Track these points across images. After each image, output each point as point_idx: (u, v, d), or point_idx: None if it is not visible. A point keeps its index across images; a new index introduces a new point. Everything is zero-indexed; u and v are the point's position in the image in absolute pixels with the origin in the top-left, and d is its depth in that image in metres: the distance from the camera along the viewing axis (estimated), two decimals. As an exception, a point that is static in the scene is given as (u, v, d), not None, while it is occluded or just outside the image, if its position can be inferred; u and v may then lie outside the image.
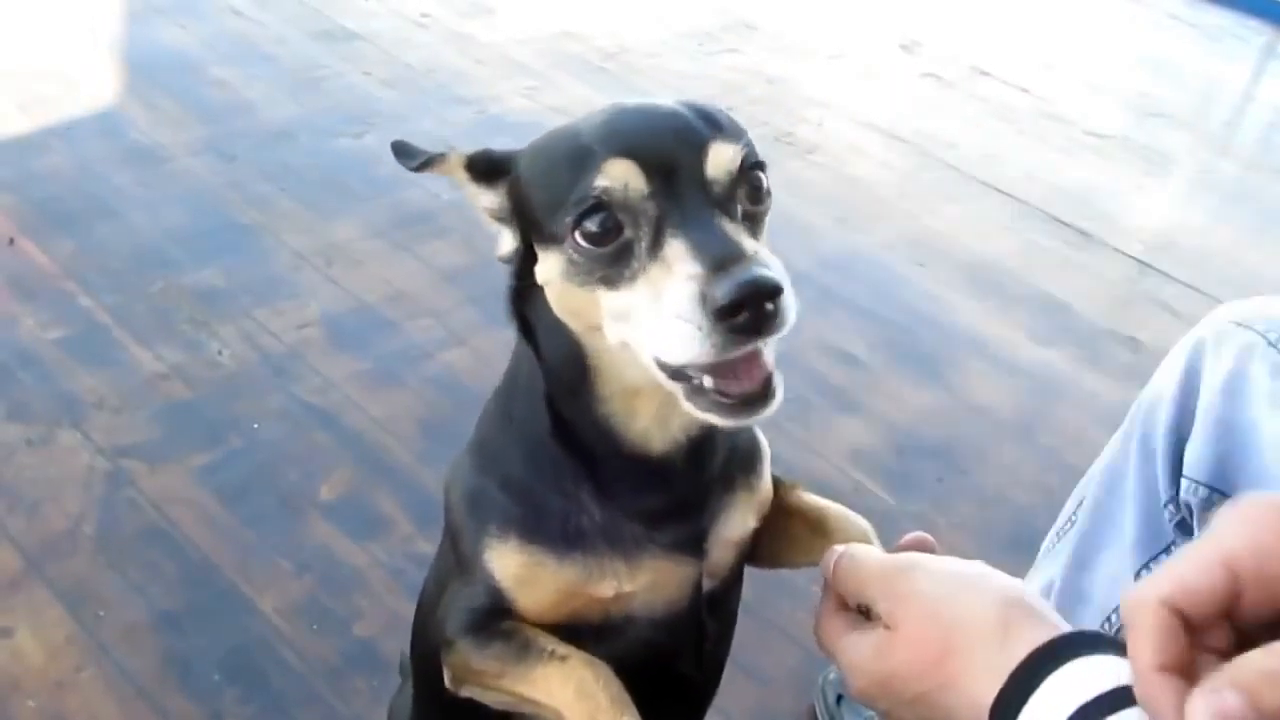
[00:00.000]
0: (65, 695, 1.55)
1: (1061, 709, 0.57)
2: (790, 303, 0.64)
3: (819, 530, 0.91)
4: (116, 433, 1.98)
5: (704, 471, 0.85)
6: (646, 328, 0.68)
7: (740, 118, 0.77)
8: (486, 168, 0.81)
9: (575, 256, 0.71)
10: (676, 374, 0.70)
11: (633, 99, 0.77)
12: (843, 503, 0.93)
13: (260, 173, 2.81)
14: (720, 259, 0.64)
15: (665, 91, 3.57)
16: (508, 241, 0.81)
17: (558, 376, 0.82)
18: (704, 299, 0.61)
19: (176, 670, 1.60)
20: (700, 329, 0.62)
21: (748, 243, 0.67)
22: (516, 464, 0.85)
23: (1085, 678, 0.58)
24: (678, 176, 0.69)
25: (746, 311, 0.60)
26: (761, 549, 0.96)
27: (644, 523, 0.83)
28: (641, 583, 0.84)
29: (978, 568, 0.70)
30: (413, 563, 1.80)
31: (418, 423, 2.11)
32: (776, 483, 0.96)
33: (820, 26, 4.44)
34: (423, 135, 3.30)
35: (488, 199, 0.82)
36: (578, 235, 0.70)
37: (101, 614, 1.66)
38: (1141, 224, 3.37)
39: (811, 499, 0.95)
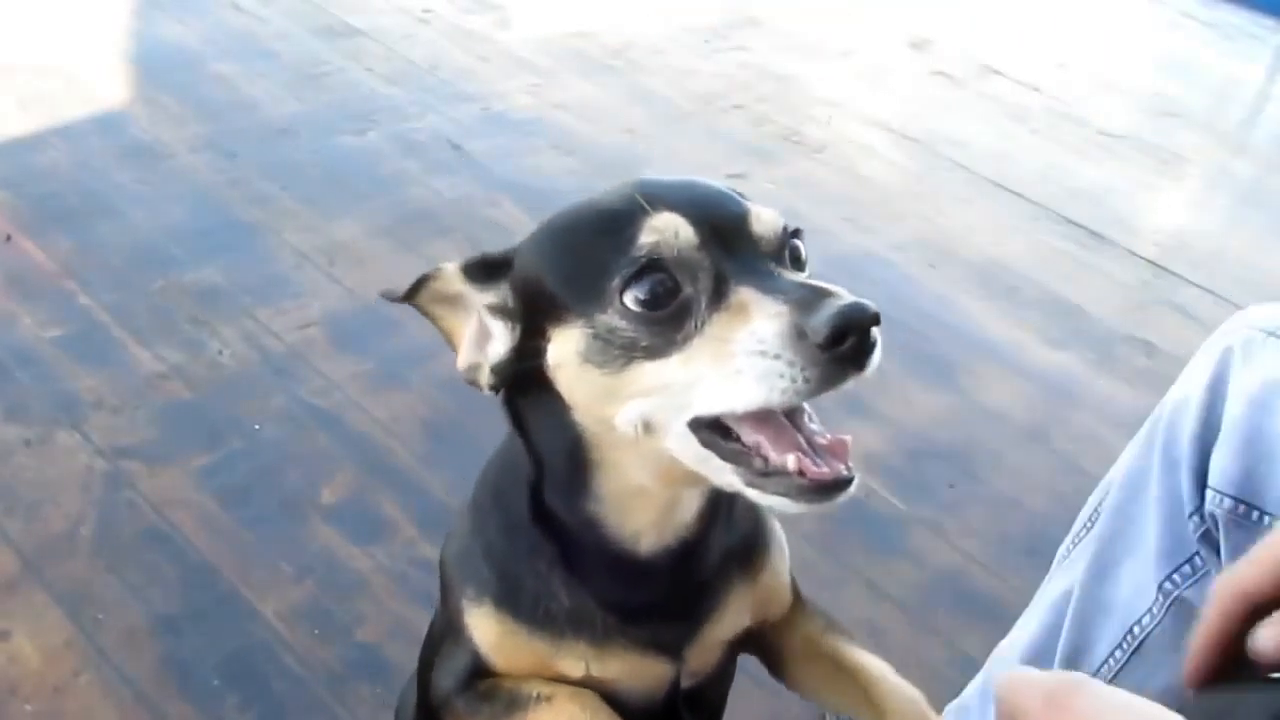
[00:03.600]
0: (63, 699, 1.53)
1: None
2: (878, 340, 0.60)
3: (868, 701, 0.85)
4: (116, 433, 1.95)
5: (693, 576, 0.83)
6: (705, 387, 0.63)
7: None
8: (484, 270, 0.78)
9: (617, 328, 0.65)
10: (731, 455, 0.64)
11: (652, 176, 0.73)
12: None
13: (261, 170, 2.78)
14: (803, 298, 0.61)
15: (672, 90, 3.55)
16: (501, 340, 0.77)
17: (550, 469, 0.79)
18: (798, 332, 0.56)
19: (176, 675, 1.58)
20: (792, 364, 0.58)
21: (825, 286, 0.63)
22: (498, 535, 0.84)
23: None
24: (726, 232, 0.66)
25: (852, 338, 0.56)
26: (793, 674, 0.93)
27: (619, 616, 0.81)
28: (611, 671, 0.82)
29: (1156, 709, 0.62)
30: (415, 567, 1.78)
31: (421, 424, 2.08)
32: (806, 608, 0.92)
33: (829, 24, 4.41)
34: (426, 132, 3.30)
35: (489, 298, 0.78)
36: (628, 301, 0.64)
37: (100, 617, 1.64)
38: (1155, 225, 3.33)
39: (855, 656, 0.88)
